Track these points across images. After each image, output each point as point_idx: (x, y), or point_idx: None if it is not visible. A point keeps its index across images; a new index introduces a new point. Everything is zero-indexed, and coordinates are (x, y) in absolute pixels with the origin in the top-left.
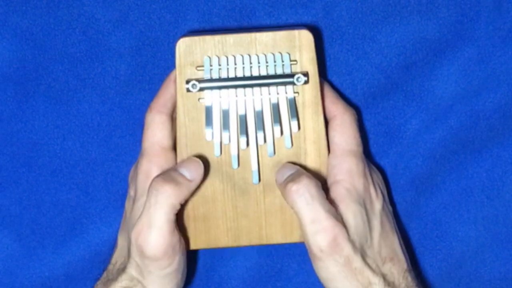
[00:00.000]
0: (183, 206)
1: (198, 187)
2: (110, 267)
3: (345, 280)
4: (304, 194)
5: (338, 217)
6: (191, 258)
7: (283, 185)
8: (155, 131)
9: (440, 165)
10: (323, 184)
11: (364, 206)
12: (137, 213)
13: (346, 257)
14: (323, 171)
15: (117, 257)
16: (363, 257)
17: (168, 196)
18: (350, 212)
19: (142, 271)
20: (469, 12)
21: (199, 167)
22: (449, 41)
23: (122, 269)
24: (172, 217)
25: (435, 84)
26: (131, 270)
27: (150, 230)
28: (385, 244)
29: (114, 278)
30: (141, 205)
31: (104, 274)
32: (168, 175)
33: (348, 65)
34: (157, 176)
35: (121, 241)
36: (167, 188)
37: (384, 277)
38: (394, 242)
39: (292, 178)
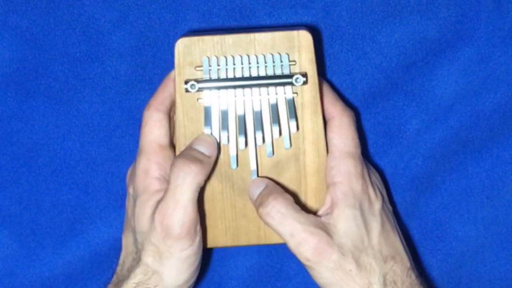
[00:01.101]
0: None
1: None
2: (119, 268)
3: (341, 283)
4: (275, 216)
5: (317, 224)
6: None
7: (256, 207)
8: (153, 128)
9: (440, 165)
10: (321, 183)
11: (361, 208)
12: (140, 211)
13: (335, 261)
14: (322, 171)
15: (124, 257)
16: (358, 259)
17: (195, 175)
18: (343, 216)
19: (162, 256)
20: (469, 12)
21: (213, 141)
22: (449, 41)
23: (136, 264)
24: (196, 196)
25: (435, 84)
26: (147, 259)
27: (176, 210)
28: (386, 243)
29: (126, 277)
30: (143, 203)
31: (114, 277)
32: (189, 155)
33: (348, 65)
34: (178, 157)
35: (125, 241)
36: (193, 167)
37: (385, 276)
38: (396, 241)
39: (261, 202)
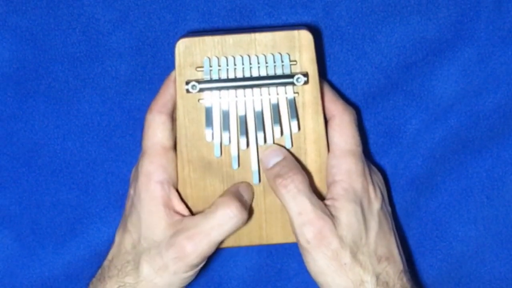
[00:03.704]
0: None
1: (199, 188)
2: (106, 263)
3: (334, 274)
4: (292, 190)
5: (326, 211)
6: None
7: (271, 175)
8: (156, 131)
9: (440, 165)
10: (322, 183)
11: (361, 205)
12: (151, 220)
13: (333, 250)
14: (323, 171)
15: (114, 254)
16: (355, 254)
17: (240, 223)
18: (344, 210)
19: (163, 270)
20: (469, 12)
21: (253, 191)
22: (449, 41)
23: (132, 268)
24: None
25: (435, 84)
26: (144, 267)
27: (203, 243)
28: (382, 244)
29: (113, 275)
30: (152, 212)
31: (99, 271)
32: (243, 200)
33: (348, 65)
34: (235, 199)
35: (119, 239)
36: (244, 216)
37: (377, 276)
38: (391, 242)
39: (279, 172)
